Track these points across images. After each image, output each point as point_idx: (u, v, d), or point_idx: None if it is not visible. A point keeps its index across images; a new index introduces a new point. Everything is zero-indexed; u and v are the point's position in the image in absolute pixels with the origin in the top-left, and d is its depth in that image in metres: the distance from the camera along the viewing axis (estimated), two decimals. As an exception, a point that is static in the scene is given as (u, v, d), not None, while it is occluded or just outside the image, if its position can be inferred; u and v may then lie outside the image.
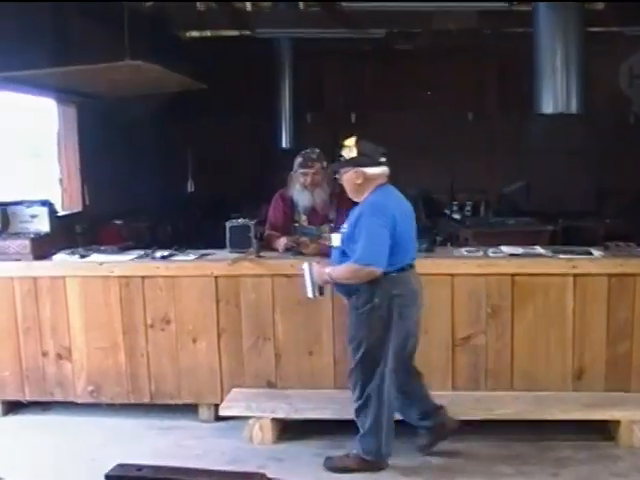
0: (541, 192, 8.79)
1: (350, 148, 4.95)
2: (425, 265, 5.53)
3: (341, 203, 6.10)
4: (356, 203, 5.05)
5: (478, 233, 8.46)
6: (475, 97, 12.86)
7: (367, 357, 4.90)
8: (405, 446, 5.23)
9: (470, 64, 12.55)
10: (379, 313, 4.84)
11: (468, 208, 10.87)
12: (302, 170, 6.17)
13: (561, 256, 5.76)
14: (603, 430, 5.43)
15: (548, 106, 8.68)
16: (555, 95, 8.62)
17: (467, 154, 12.00)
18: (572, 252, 5.84)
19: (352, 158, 4.94)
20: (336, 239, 5.03)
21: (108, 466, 2.32)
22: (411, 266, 4.98)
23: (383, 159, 4.96)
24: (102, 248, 6.28)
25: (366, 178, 4.93)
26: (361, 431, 5.03)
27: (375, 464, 5.01)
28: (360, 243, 4.76)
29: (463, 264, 5.77)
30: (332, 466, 5.08)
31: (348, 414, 5.17)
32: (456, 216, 10.61)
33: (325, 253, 5.70)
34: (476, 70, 12.75)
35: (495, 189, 9.87)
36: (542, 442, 5.37)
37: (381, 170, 4.96)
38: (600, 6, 9.10)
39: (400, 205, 4.98)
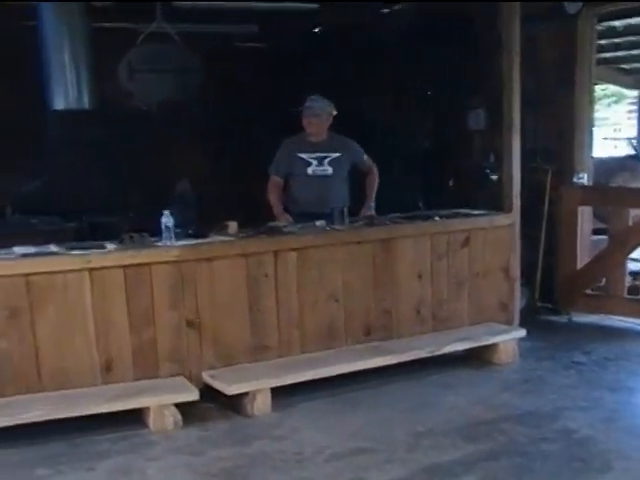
0: (62, 189, 8.71)
1: None
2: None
3: None
4: None
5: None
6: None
7: None
8: None
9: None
10: None
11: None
12: None
13: (74, 252, 5.76)
14: (139, 419, 5.54)
15: (60, 102, 8.60)
16: (66, 91, 8.56)
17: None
18: (85, 247, 5.88)
19: None
20: None
21: None
22: None
23: None
24: None
25: None
26: None
27: None
28: None
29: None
30: None
31: None
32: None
33: None
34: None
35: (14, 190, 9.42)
36: (77, 439, 5.34)
37: None
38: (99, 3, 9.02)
39: None
